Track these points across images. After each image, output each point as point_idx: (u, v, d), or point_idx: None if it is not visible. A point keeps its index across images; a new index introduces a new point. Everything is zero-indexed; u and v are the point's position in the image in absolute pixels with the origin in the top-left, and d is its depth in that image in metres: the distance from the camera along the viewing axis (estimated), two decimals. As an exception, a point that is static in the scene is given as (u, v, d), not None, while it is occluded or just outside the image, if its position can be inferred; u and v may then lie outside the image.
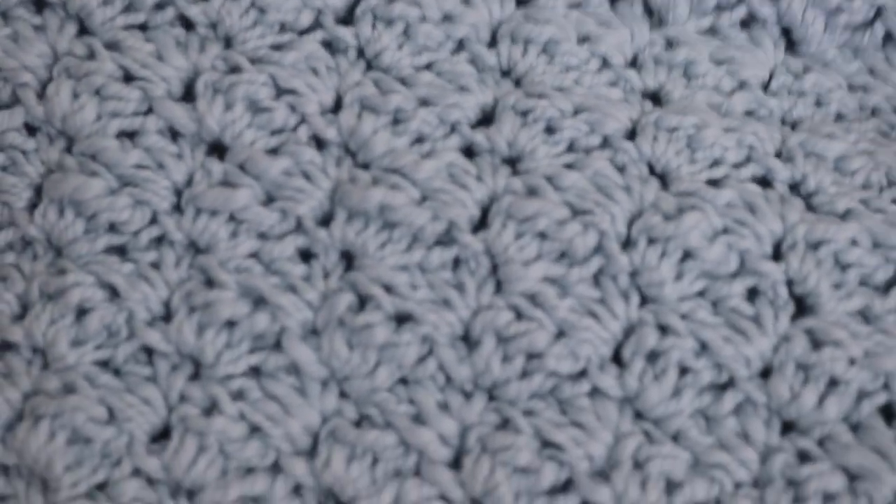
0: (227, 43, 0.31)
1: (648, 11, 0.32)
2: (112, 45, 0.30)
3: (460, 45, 0.31)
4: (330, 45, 0.31)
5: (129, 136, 0.30)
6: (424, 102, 0.30)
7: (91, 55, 0.30)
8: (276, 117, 0.30)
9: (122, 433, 0.27)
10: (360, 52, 0.31)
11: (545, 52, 0.31)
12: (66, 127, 0.30)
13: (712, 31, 0.32)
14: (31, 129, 0.30)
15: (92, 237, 0.29)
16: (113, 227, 0.29)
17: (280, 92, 0.30)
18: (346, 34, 0.31)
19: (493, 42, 0.31)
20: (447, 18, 0.31)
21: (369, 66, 0.31)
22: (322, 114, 0.30)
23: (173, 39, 0.30)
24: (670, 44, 0.32)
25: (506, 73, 0.31)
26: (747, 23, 0.32)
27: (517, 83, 0.31)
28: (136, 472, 0.27)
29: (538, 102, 0.30)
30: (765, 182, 0.30)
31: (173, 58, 0.30)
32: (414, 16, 0.31)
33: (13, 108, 0.30)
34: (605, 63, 0.31)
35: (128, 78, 0.30)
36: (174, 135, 0.30)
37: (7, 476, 0.28)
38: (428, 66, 0.31)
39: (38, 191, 0.30)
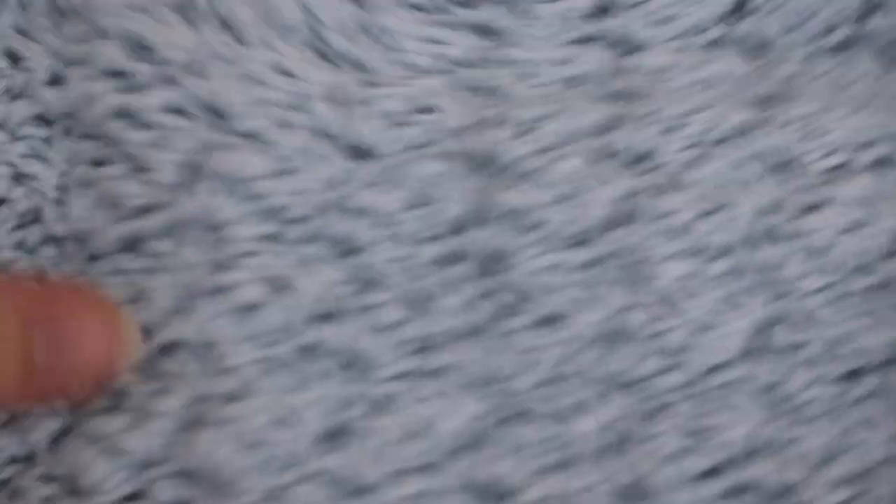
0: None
1: None
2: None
3: None
4: None
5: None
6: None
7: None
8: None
9: (301, 435, 0.27)
10: None
11: None
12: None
13: None
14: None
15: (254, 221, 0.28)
16: (274, 214, 0.28)
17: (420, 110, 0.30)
18: None
19: None
20: None
21: None
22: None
23: None
24: None
25: None
26: None
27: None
28: (313, 475, 0.27)
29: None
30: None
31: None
32: None
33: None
34: None
35: (283, 71, 0.29)
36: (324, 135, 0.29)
37: (181, 481, 0.27)
38: None
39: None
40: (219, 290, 0.28)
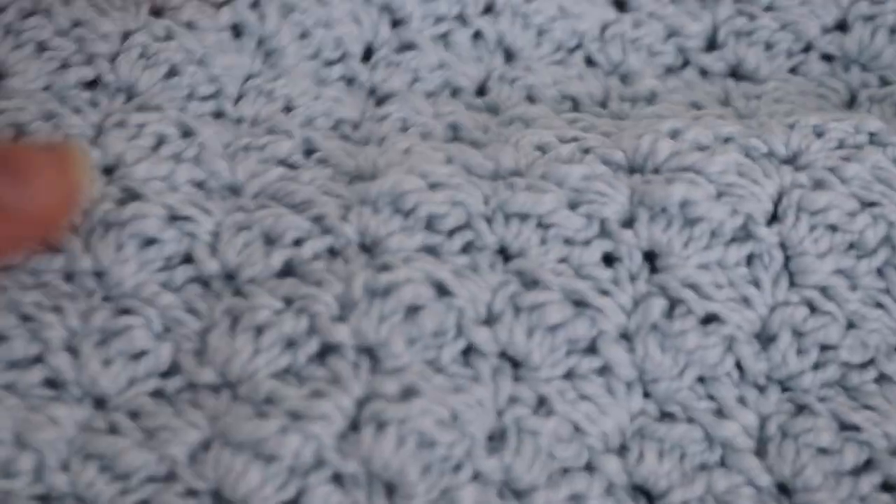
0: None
1: None
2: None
3: None
4: None
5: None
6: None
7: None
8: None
9: (465, 436, 0.27)
10: None
11: None
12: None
13: None
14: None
15: (409, 233, 0.29)
16: (430, 224, 0.29)
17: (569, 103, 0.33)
18: None
19: None
20: None
21: None
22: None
23: None
24: None
25: None
26: None
27: None
28: (476, 476, 0.27)
29: None
30: None
31: None
32: None
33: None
34: None
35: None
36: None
37: (343, 486, 0.26)
38: None
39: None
40: (382, 293, 0.28)
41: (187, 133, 0.31)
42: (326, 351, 0.28)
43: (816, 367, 0.29)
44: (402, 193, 0.29)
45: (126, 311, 0.29)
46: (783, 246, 0.30)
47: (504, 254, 0.29)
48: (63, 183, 0.27)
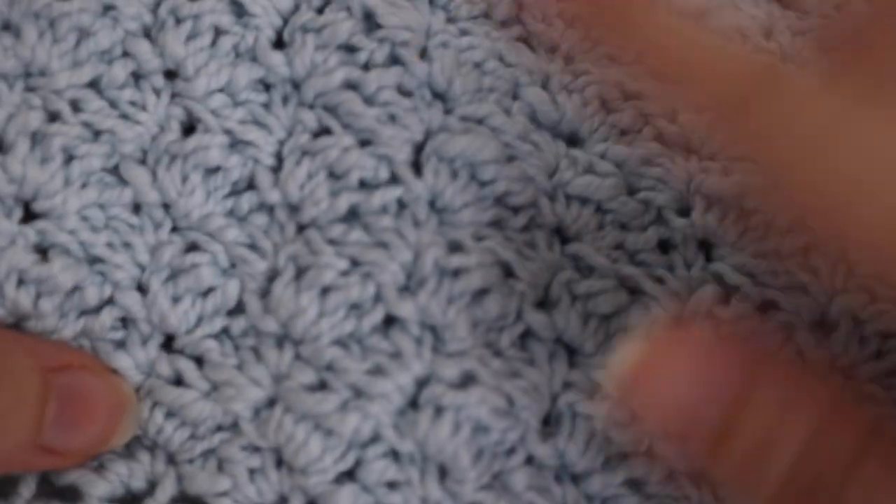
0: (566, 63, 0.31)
1: None
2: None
3: None
4: None
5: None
6: None
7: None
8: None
9: (519, 422, 0.27)
10: None
11: None
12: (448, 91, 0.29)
13: None
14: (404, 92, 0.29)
15: (482, 206, 0.29)
16: (500, 199, 0.29)
17: (626, 96, 0.30)
18: None
19: None
20: None
21: None
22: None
23: None
24: None
25: None
26: None
27: None
28: (529, 461, 0.27)
29: None
30: None
31: None
32: None
33: (390, 67, 0.29)
34: None
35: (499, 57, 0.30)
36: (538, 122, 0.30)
37: (399, 462, 0.28)
38: None
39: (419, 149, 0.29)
40: (452, 274, 0.28)
41: (242, 13, 0.30)
42: (390, 321, 0.28)
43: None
44: (483, 163, 0.29)
45: (194, 247, 0.29)
46: None
47: (561, 234, 0.29)
48: (112, 426, 0.27)
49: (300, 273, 0.28)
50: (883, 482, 0.22)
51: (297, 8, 0.30)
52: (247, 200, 0.29)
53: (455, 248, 0.28)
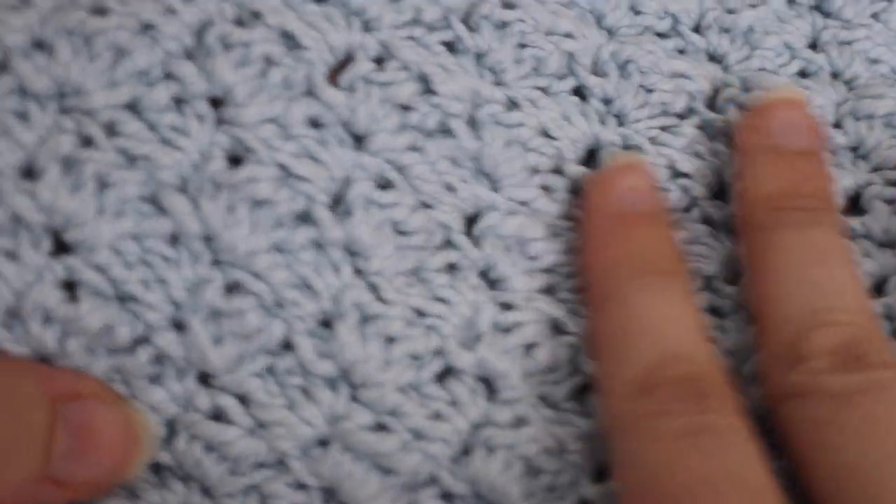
0: (620, 121, 0.31)
1: None
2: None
3: None
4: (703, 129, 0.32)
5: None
6: None
7: None
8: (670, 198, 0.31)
9: (570, 466, 0.28)
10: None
11: None
12: None
13: None
14: None
15: (531, 275, 0.30)
16: (550, 269, 0.30)
17: (675, 174, 0.31)
18: (717, 119, 0.31)
19: None
20: None
21: None
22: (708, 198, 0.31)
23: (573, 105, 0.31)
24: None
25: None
26: None
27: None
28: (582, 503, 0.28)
29: None
30: None
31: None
32: None
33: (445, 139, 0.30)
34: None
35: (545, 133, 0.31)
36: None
37: (451, 503, 0.28)
38: None
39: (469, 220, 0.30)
40: (505, 330, 0.29)
41: (293, 45, 0.29)
42: (447, 372, 0.28)
43: None
44: (531, 241, 0.30)
45: (237, 287, 0.28)
46: None
47: None
48: (125, 458, 0.26)
49: (365, 320, 0.28)
50: None
51: (351, 50, 0.29)
52: (299, 235, 0.28)
53: (507, 307, 0.29)
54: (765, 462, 0.26)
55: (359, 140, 0.29)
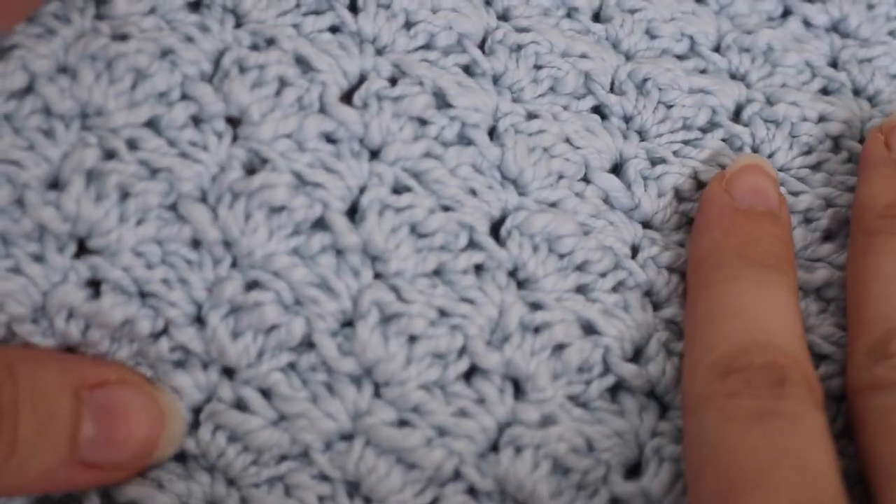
0: (641, 136, 0.32)
1: None
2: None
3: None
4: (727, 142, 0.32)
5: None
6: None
7: None
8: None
9: (600, 464, 0.28)
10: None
11: None
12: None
13: None
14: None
15: (563, 274, 0.29)
16: (582, 267, 0.29)
17: (699, 186, 0.31)
18: (743, 132, 0.32)
19: None
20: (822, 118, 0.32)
21: None
22: None
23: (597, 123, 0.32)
24: None
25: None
26: None
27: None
28: (614, 501, 0.27)
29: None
30: None
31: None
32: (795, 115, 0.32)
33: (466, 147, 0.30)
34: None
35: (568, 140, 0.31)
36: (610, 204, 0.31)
37: (477, 499, 0.28)
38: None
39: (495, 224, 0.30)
40: (535, 330, 0.28)
41: (307, 68, 0.30)
42: (473, 371, 0.28)
43: None
44: (560, 237, 0.29)
45: (256, 285, 0.28)
46: None
47: (651, 297, 0.30)
48: (154, 438, 0.27)
49: (386, 319, 0.28)
50: None
51: (365, 74, 0.30)
52: (317, 241, 0.28)
53: (536, 307, 0.29)
54: (832, 453, 0.25)
55: (374, 153, 0.29)
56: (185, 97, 0.29)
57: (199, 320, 0.28)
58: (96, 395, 0.26)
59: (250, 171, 0.29)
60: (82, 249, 0.28)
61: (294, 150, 0.29)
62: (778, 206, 0.30)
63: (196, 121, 0.29)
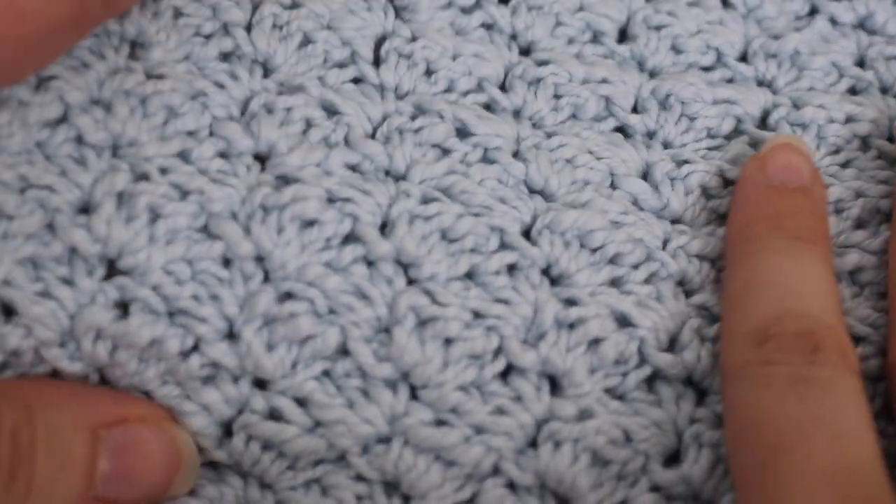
0: (665, 146, 0.32)
1: None
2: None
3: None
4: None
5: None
6: None
7: None
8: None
9: (639, 454, 0.27)
10: None
11: None
12: None
13: None
14: None
15: (596, 268, 0.29)
16: (614, 260, 0.29)
17: (726, 183, 0.31)
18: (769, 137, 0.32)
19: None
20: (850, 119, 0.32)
21: None
22: None
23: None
24: None
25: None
26: None
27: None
28: (655, 489, 0.27)
29: None
30: None
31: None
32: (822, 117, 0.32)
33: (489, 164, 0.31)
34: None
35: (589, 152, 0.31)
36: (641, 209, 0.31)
37: (516, 493, 0.27)
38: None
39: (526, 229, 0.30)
40: (570, 326, 0.28)
41: (332, 112, 0.30)
42: (510, 370, 0.28)
43: None
44: (590, 231, 0.29)
45: (289, 296, 0.28)
46: None
47: (683, 286, 0.30)
48: (169, 477, 0.27)
49: (422, 323, 0.28)
50: None
51: (387, 115, 0.31)
52: (349, 253, 0.28)
53: (571, 303, 0.29)
54: (867, 416, 0.26)
55: (398, 178, 0.30)
56: (213, 135, 0.29)
57: (231, 335, 0.28)
58: (114, 433, 0.26)
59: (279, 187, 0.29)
60: (111, 272, 0.28)
61: (321, 174, 0.29)
62: (811, 182, 0.30)
63: (225, 155, 0.29)
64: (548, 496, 0.27)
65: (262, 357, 0.27)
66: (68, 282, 0.27)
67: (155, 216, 0.28)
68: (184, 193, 0.28)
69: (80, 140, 0.28)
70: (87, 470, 0.26)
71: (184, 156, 0.29)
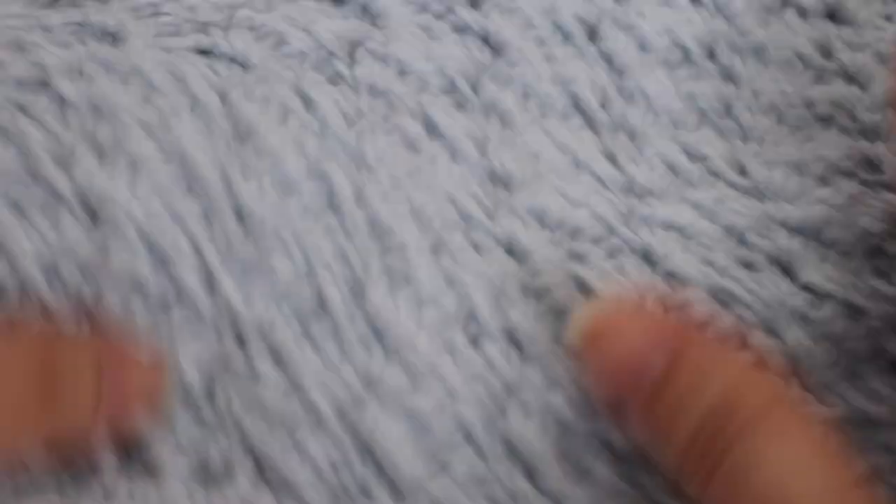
0: (630, 137, 0.33)
1: None
2: None
3: None
4: None
5: None
6: None
7: None
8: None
9: (604, 425, 0.28)
10: None
11: None
12: None
13: None
14: None
15: (556, 245, 0.30)
16: (574, 235, 0.31)
17: (693, 158, 0.32)
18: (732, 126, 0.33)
19: None
20: None
21: None
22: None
23: None
24: None
25: None
26: None
27: None
28: (619, 459, 0.29)
29: None
30: None
31: None
32: None
33: None
34: None
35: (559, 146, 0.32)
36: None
37: (486, 461, 0.28)
38: None
39: None
40: (530, 293, 0.30)
41: (309, 105, 0.31)
42: (481, 335, 0.29)
43: None
44: (547, 210, 0.31)
45: (268, 251, 0.29)
46: None
47: (648, 258, 0.30)
48: (157, 387, 0.29)
49: (395, 286, 0.29)
50: (776, 437, 0.25)
51: (360, 113, 0.32)
52: (324, 222, 0.30)
53: (535, 274, 0.30)
54: None
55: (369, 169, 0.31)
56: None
57: (211, 287, 0.29)
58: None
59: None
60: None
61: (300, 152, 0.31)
62: None
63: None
64: (517, 465, 0.28)
65: (240, 312, 0.29)
66: (55, 225, 0.29)
67: (136, 171, 0.29)
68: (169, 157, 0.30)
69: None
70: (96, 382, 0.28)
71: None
